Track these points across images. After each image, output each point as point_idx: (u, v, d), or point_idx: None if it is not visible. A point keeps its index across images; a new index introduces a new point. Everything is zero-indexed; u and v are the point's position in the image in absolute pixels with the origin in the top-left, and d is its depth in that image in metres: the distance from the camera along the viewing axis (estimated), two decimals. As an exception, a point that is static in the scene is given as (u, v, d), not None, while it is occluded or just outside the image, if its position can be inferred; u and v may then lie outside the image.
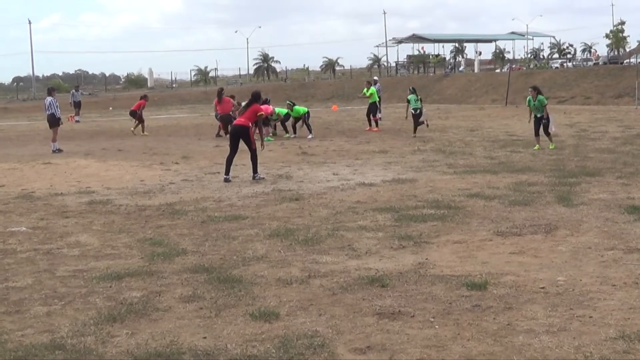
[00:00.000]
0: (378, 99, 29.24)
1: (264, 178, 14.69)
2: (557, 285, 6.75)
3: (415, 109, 24.52)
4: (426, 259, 7.93)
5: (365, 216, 10.43)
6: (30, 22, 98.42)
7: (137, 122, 28.83)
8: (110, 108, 55.11)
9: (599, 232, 8.86)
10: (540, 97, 18.75)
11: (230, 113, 24.48)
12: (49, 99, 23.05)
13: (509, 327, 5.70)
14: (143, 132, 28.43)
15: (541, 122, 18.86)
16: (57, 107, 22.93)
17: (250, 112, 14.93)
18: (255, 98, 15.25)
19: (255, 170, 14.81)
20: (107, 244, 9.10)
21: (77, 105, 40.83)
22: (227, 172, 14.68)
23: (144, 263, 8.06)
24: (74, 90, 42.32)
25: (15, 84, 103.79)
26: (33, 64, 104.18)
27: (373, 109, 27.96)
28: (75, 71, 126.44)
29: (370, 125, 27.80)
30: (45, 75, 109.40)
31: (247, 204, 11.78)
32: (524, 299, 6.37)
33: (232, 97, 26.48)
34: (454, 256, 8.04)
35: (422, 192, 12.29)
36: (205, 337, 5.68)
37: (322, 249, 8.54)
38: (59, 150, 21.68)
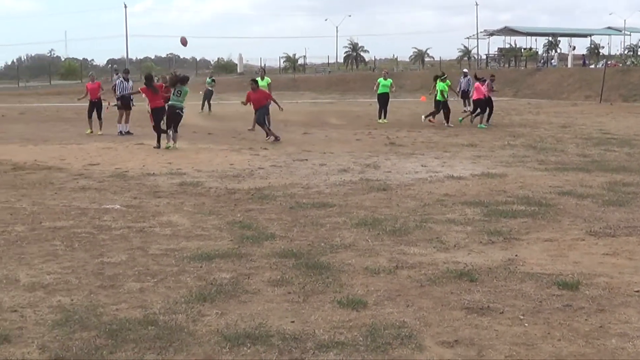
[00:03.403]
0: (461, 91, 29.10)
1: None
2: (652, 289, 6.58)
3: None
4: (516, 255, 7.82)
5: (454, 209, 10.34)
6: (125, 6, 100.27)
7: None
8: (200, 92, 55.80)
9: (697, 237, 8.58)
10: None
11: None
12: (119, 79, 23.41)
13: (602, 330, 5.58)
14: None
15: None
16: (130, 88, 23.25)
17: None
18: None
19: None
20: (197, 225, 9.26)
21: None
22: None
23: (234, 245, 8.17)
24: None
25: (110, 65, 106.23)
26: (127, 47, 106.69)
27: (437, 103, 27.38)
28: (167, 55, 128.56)
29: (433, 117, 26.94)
30: (138, 58, 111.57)
31: (335, 192, 11.82)
32: (618, 302, 6.23)
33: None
34: (544, 254, 7.90)
35: (512, 188, 12.12)
36: (293, 322, 5.73)
37: (409, 240, 8.51)
38: (129, 133, 21.96)
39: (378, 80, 28.81)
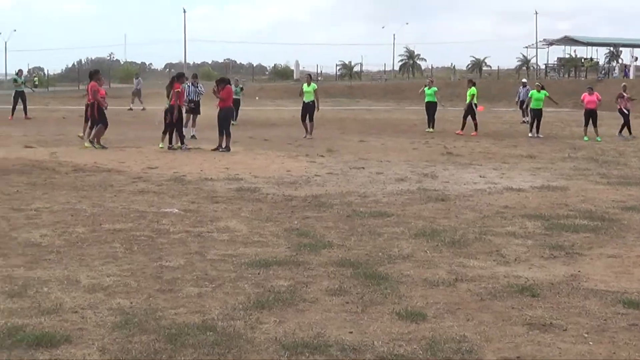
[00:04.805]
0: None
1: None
2: None
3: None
4: (579, 271, 7.65)
5: (514, 222, 10.17)
6: (184, 11, 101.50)
7: None
8: (257, 98, 56.12)
9: None
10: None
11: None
12: (186, 84, 23.57)
13: (670, 351, 5.42)
14: None
15: None
16: (198, 92, 23.28)
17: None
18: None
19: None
20: (255, 231, 9.26)
21: (137, 93, 39.67)
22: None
23: (291, 253, 8.15)
24: (136, 80, 41.83)
25: (167, 70, 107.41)
26: (185, 51, 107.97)
27: (470, 111, 26.81)
28: (224, 60, 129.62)
29: (462, 128, 26.45)
30: (195, 62, 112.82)
31: (392, 201, 11.73)
32: (687, 322, 6.05)
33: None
34: (608, 271, 7.72)
35: (573, 201, 11.89)
36: (351, 332, 5.67)
37: (469, 252, 8.39)
38: (193, 137, 22.01)
39: (423, 89, 28.63)
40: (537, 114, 25.83)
